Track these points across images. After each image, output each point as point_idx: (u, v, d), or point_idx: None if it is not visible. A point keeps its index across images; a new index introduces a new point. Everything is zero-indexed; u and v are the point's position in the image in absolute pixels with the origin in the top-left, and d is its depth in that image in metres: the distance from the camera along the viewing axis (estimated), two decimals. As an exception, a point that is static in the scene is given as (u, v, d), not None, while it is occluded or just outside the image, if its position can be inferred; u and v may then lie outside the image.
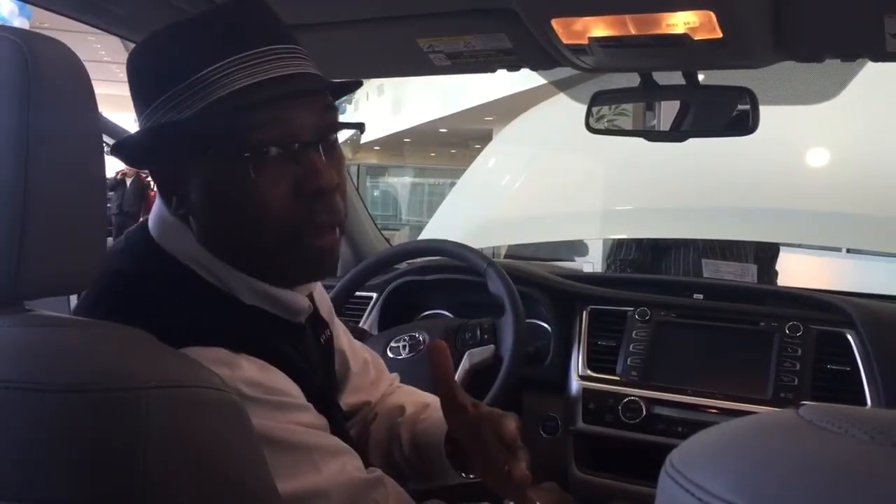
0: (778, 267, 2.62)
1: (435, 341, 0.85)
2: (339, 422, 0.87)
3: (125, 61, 0.78)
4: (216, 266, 0.76)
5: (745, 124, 1.22)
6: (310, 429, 0.74)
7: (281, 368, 0.74)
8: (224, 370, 0.66)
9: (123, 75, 0.79)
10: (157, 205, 0.80)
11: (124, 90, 0.78)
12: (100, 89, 0.67)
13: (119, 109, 4.91)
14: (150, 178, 0.88)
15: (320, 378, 0.85)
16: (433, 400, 1.02)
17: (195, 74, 0.71)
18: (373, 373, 1.06)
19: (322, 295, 0.97)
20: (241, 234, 0.75)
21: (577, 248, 4.26)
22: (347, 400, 1.01)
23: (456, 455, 0.92)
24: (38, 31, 0.65)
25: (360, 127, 0.86)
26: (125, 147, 0.78)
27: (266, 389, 0.71)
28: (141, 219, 0.88)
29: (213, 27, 0.74)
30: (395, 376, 1.12)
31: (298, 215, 0.74)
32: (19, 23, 6.99)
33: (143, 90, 0.76)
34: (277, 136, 0.73)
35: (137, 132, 0.77)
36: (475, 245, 1.58)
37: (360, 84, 0.85)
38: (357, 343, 1.07)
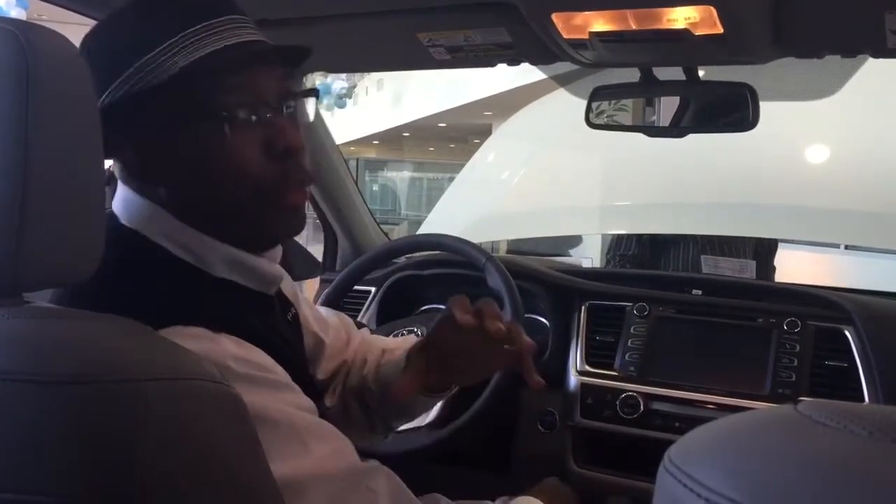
0: (776, 263, 2.62)
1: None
2: (316, 399, 0.87)
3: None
4: (189, 238, 0.76)
5: (744, 120, 1.22)
6: (302, 412, 0.74)
7: (259, 346, 0.74)
8: (209, 345, 0.67)
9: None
10: (120, 190, 0.80)
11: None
12: (99, 81, 0.67)
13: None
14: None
15: (293, 352, 0.85)
16: (393, 343, 1.12)
17: (156, 48, 0.72)
18: (344, 335, 1.10)
19: (285, 276, 0.97)
20: (220, 198, 0.76)
21: (569, 240, 4.28)
22: (326, 367, 1.04)
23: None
24: (35, 22, 0.64)
25: (315, 94, 0.87)
26: None
27: (254, 366, 0.71)
28: None
29: (167, 2, 0.76)
30: (365, 330, 1.17)
31: (272, 174, 0.76)
32: (16, 13, 6.92)
33: (101, 71, 0.74)
34: (247, 100, 0.75)
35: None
36: (474, 240, 1.58)
37: (310, 50, 0.85)
38: (322, 310, 1.11)
